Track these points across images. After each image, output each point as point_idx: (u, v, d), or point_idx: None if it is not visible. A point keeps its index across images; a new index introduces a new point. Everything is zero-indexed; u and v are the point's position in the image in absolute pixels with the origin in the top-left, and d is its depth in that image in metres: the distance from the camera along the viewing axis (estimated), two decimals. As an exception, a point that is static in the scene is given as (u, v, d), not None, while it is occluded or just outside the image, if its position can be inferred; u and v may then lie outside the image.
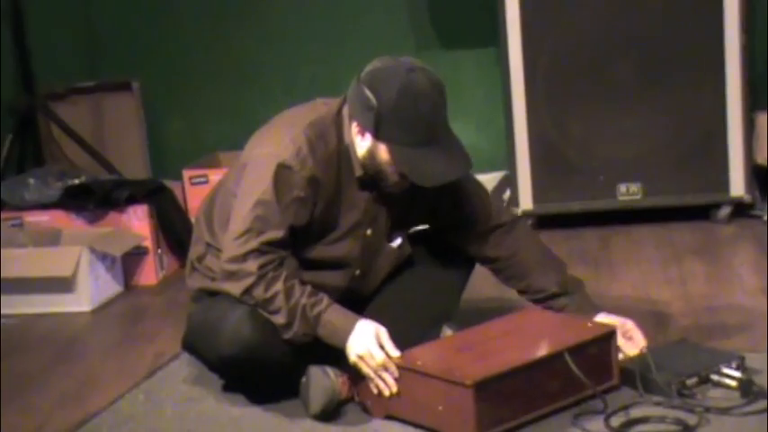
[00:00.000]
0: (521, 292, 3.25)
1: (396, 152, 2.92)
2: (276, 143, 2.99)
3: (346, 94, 3.03)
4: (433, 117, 2.92)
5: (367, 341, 2.89)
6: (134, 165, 5.22)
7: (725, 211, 4.53)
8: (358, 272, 3.14)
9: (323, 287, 3.01)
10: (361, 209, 3.07)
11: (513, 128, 4.54)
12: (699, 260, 4.11)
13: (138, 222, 4.41)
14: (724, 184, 4.49)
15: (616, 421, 2.80)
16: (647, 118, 4.48)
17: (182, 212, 4.65)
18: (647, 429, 2.77)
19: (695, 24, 4.40)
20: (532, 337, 3.04)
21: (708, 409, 2.81)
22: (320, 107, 3.08)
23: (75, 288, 4.17)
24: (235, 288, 2.94)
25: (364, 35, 5.10)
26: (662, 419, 2.79)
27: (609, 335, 2.98)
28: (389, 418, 2.93)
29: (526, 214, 4.54)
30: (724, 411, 2.80)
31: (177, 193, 4.72)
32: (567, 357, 2.86)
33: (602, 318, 3.10)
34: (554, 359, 2.87)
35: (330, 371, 2.98)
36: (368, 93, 2.90)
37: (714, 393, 2.91)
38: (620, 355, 3.00)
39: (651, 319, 3.52)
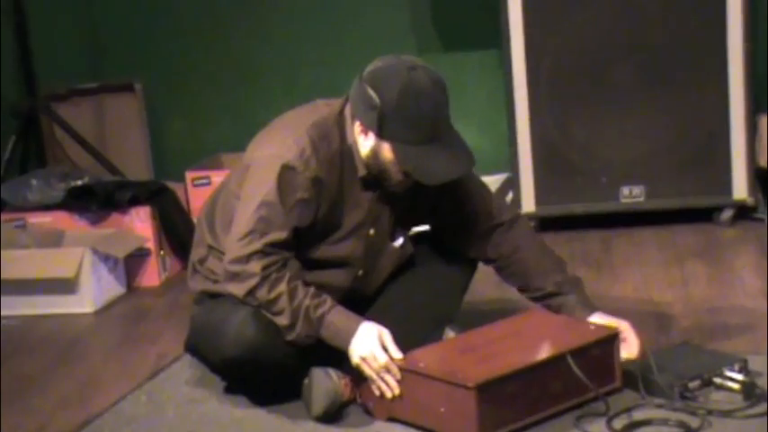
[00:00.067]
0: (520, 289, 3.26)
1: (399, 151, 2.93)
2: (279, 144, 2.99)
3: (348, 94, 3.03)
4: (436, 115, 2.92)
5: (370, 343, 2.89)
6: (136, 166, 5.22)
7: (727, 214, 4.53)
8: (361, 272, 3.14)
9: (326, 287, 3.01)
10: (364, 209, 3.07)
11: (516, 130, 4.54)
12: (701, 262, 4.11)
13: (140, 224, 4.41)
14: (726, 186, 4.49)
15: (618, 424, 2.80)
16: (649, 120, 4.48)
17: (184, 214, 4.65)
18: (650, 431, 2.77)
19: (698, 27, 4.40)
20: (535, 339, 3.04)
21: (710, 412, 2.81)
22: (322, 108, 3.08)
23: (78, 289, 4.18)
24: (238, 289, 2.94)
25: (366, 36, 5.10)
26: (664, 422, 2.79)
27: (611, 337, 2.97)
28: (392, 419, 2.93)
29: (529, 216, 4.54)
30: (726, 414, 2.81)
31: (180, 194, 4.72)
32: (570, 360, 2.86)
33: (598, 318, 3.10)
34: (556, 361, 2.87)
35: (332, 372, 2.98)
36: (370, 92, 2.91)
37: (716, 396, 2.91)
38: None
39: (653, 322, 3.52)
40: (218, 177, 4.55)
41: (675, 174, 4.51)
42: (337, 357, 2.95)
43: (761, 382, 2.92)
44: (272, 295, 2.91)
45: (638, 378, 2.94)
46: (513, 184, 4.63)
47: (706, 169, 4.50)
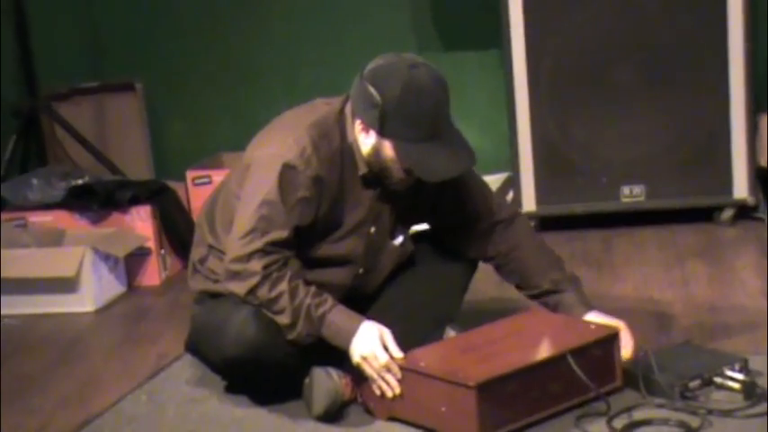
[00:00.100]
0: (518, 287, 3.26)
1: (401, 148, 2.93)
2: (280, 143, 2.99)
3: (348, 92, 3.03)
4: (437, 112, 2.93)
5: (371, 342, 2.89)
6: (137, 165, 5.22)
7: (728, 214, 4.53)
8: (361, 270, 3.14)
9: (327, 286, 3.01)
10: (365, 207, 3.07)
11: (517, 130, 4.54)
12: (701, 262, 4.11)
13: (141, 223, 4.41)
14: (727, 186, 4.49)
15: (619, 423, 2.80)
16: (650, 120, 4.48)
17: (185, 213, 4.65)
18: (650, 431, 2.77)
19: (698, 26, 4.40)
20: (535, 338, 3.04)
21: (710, 412, 2.81)
22: (321, 107, 3.08)
23: (79, 288, 4.18)
24: (239, 288, 2.94)
25: (367, 37, 5.10)
26: (665, 421, 2.79)
27: (612, 337, 2.97)
28: (392, 419, 2.93)
29: (529, 216, 4.54)
30: (727, 414, 2.81)
31: (180, 193, 4.72)
32: (570, 359, 2.86)
33: (594, 317, 3.10)
34: (557, 361, 2.87)
35: (333, 372, 2.98)
36: (371, 90, 2.91)
37: (717, 396, 2.91)
38: None
39: (654, 321, 3.52)
40: (218, 177, 4.54)
41: (676, 173, 4.51)
42: (338, 357, 2.95)
43: (761, 381, 2.92)
44: (273, 294, 2.91)
45: (638, 377, 2.94)
46: (513, 183, 4.63)
47: (706, 169, 4.50)
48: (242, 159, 3.11)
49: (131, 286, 4.40)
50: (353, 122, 3.00)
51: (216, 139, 5.27)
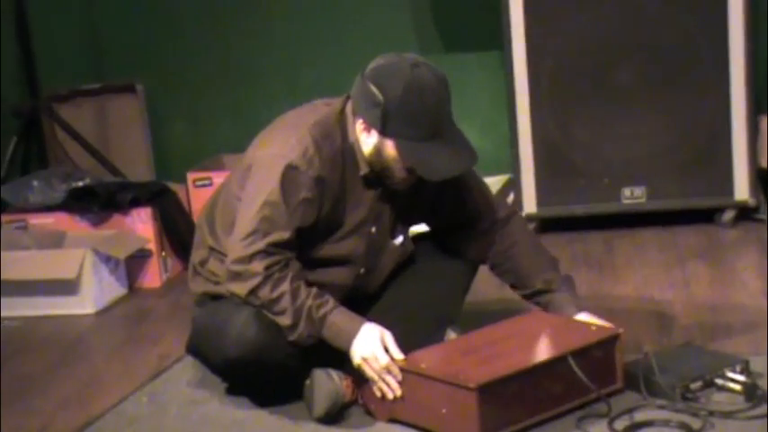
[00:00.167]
0: (512, 286, 3.27)
1: (403, 147, 2.93)
2: (282, 144, 2.99)
3: (348, 92, 3.03)
4: (439, 111, 2.93)
5: (372, 344, 2.89)
6: (138, 167, 5.22)
7: (729, 215, 4.52)
8: (363, 270, 3.14)
9: (328, 286, 3.01)
10: (366, 207, 3.07)
11: (518, 131, 4.54)
12: (703, 263, 4.11)
13: (142, 225, 4.41)
14: (728, 187, 4.48)
15: (620, 425, 2.80)
16: (651, 121, 4.48)
17: (186, 215, 4.65)
18: (651, 433, 2.78)
19: (699, 28, 4.39)
20: (536, 340, 3.04)
21: (712, 413, 2.81)
22: (322, 107, 3.09)
23: (79, 290, 4.18)
24: (240, 288, 2.94)
25: (367, 38, 5.10)
26: (666, 423, 2.79)
27: (613, 338, 2.97)
28: (393, 421, 2.93)
29: (530, 217, 4.54)
30: (728, 415, 2.80)
31: (181, 195, 4.72)
32: (571, 361, 2.86)
33: (584, 318, 3.11)
34: (558, 362, 2.87)
35: (334, 374, 2.98)
36: (374, 89, 2.91)
37: (718, 397, 2.91)
38: None
39: (655, 322, 3.52)
40: (219, 178, 4.55)
41: (677, 175, 4.51)
42: (339, 358, 2.95)
43: (762, 383, 2.92)
44: (275, 294, 2.91)
45: (639, 379, 2.93)
46: (514, 185, 4.63)
47: (707, 170, 4.50)
48: (242, 160, 3.11)
49: (132, 288, 4.40)
50: (355, 122, 3.00)
51: (217, 140, 5.27)
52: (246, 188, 3.01)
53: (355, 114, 3.00)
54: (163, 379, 3.41)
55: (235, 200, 3.06)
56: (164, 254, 4.45)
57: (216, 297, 3.11)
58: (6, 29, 5.12)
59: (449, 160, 2.94)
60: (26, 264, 4.21)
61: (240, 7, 5.25)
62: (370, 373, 2.90)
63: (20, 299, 4.19)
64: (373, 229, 3.12)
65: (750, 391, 2.87)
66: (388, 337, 2.92)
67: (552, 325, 3.11)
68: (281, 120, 3.15)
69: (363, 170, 3.03)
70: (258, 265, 2.91)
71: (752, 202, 4.49)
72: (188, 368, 3.40)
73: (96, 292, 4.19)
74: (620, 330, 2.99)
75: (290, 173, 2.94)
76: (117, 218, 4.43)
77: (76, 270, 4.15)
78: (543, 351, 2.98)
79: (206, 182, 4.76)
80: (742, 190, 4.48)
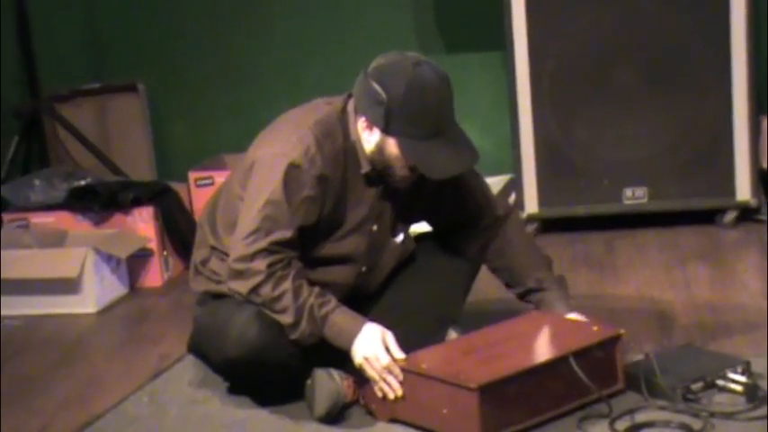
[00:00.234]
0: (507, 285, 3.29)
1: (405, 145, 2.93)
2: (284, 143, 2.99)
3: (350, 91, 3.04)
4: (441, 109, 2.94)
5: (373, 344, 2.89)
6: (139, 166, 5.22)
7: (730, 216, 4.52)
8: (364, 268, 3.14)
9: (329, 284, 3.01)
10: (367, 205, 3.07)
11: (519, 132, 4.54)
12: (704, 264, 4.11)
13: (143, 224, 4.41)
14: (730, 188, 4.48)
15: (621, 425, 2.80)
16: (652, 122, 4.48)
17: (187, 214, 4.65)
18: (652, 433, 2.78)
19: (701, 28, 4.39)
20: (538, 340, 3.04)
21: (713, 414, 2.81)
22: (323, 106, 3.09)
23: (81, 289, 4.18)
24: (242, 286, 2.94)
25: (369, 38, 5.10)
26: (667, 424, 2.79)
27: (614, 339, 2.97)
28: (394, 421, 2.93)
29: (531, 218, 4.54)
30: (729, 416, 2.80)
31: (182, 194, 4.72)
32: (572, 361, 2.85)
33: (574, 318, 3.12)
34: (559, 363, 2.86)
35: (335, 373, 2.98)
36: (376, 87, 2.91)
37: (719, 398, 2.90)
38: None
39: (656, 323, 3.52)
40: (220, 178, 4.55)
41: (678, 175, 4.51)
42: (340, 358, 2.95)
43: (763, 384, 2.91)
44: (277, 293, 2.91)
45: (640, 380, 2.93)
46: (515, 185, 4.63)
47: (709, 171, 4.50)
48: (244, 159, 3.11)
49: (133, 287, 4.40)
50: (356, 120, 3.00)
51: (218, 139, 5.27)
52: (248, 187, 3.01)
53: (357, 113, 3.00)
54: (164, 379, 3.41)
55: (236, 199, 3.06)
56: (165, 253, 4.45)
57: (217, 296, 3.11)
58: (6, 29, 5.12)
59: (450, 159, 2.95)
60: (27, 263, 4.22)
61: (241, 7, 5.25)
62: (371, 372, 2.90)
63: (21, 298, 4.19)
64: (374, 228, 3.12)
65: (751, 392, 2.87)
66: (390, 337, 2.92)
67: (553, 325, 3.10)
68: (283, 119, 3.15)
69: (365, 168, 3.03)
70: (260, 264, 2.91)
71: (753, 202, 4.49)
72: (189, 368, 3.40)
73: (97, 291, 4.19)
74: (622, 331, 2.99)
75: (292, 171, 2.94)
76: (118, 217, 4.43)
77: (78, 269, 4.15)
78: (544, 351, 2.98)
79: (207, 181, 4.76)
80: (743, 191, 4.48)
